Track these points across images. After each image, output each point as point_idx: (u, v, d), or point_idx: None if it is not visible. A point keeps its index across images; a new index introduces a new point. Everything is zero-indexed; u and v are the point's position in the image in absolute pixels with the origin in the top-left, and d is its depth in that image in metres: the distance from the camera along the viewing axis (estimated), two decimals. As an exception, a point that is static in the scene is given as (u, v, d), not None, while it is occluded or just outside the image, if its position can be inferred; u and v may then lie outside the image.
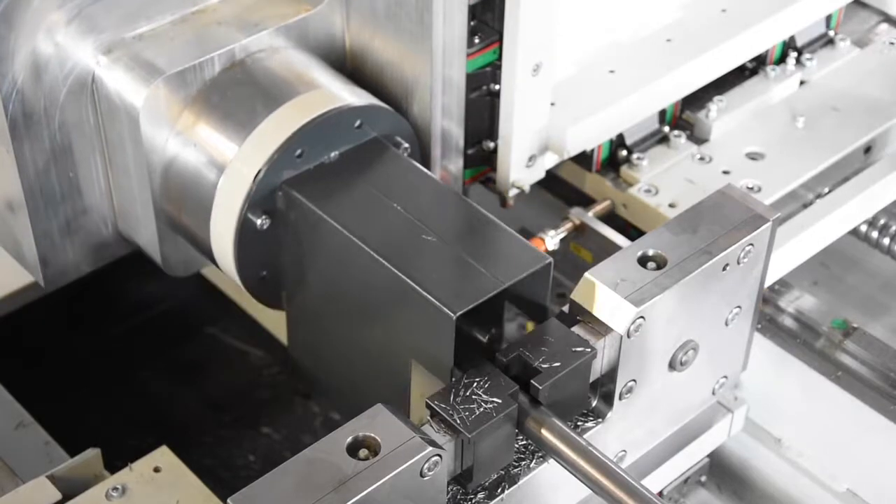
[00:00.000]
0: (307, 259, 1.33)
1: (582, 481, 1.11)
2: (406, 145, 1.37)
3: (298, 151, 1.30)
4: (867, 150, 1.63)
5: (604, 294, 1.16)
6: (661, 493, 1.44)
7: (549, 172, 1.53)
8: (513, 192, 1.48)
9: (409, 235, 1.25)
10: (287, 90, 1.34)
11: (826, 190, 1.60)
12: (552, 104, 1.46)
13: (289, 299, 1.39)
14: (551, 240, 1.52)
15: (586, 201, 1.59)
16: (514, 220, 1.77)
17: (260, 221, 1.30)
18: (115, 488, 1.26)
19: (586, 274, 1.18)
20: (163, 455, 1.30)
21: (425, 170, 1.35)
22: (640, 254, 1.20)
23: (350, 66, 1.45)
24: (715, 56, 1.57)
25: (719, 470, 1.52)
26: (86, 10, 1.33)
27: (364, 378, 1.34)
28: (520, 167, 1.47)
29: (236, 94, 1.34)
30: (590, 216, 1.55)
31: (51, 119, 1.34)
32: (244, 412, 1.79)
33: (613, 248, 1.49)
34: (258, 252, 1.33)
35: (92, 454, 1.32)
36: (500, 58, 1.39)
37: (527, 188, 1.48)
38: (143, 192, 1.37)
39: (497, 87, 1.41)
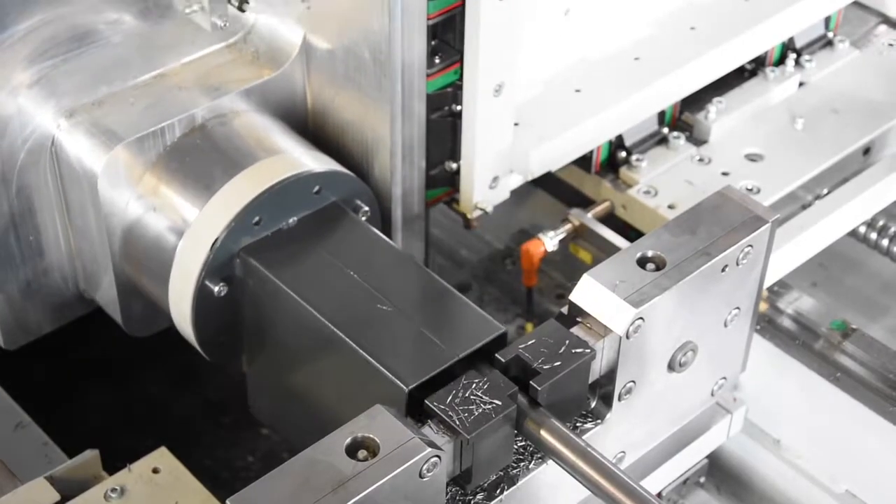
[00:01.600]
0: (266, 324, 1.33)
1: (581, 482, 1.11)
2: (366, 209, 1.37)
3: (256, 219, 1.30)
4: (866, 151, 1.63)
5: (603, 295, 1.16)
6: (660, 495, 1.44)
7: (548, 174, 1.52)
8: (476, 214, 1.46)
9: (365, 305, 1.25)
10: (247, 155, 1.34)
11: (825, 191, 1.60)
12: (516, 124, 1.44)
13: (249, 362, 1.39)
14: (551, 241, 1.52)
15: (586, 202, 1.59)
16: (513, 222, 1.78)
17: (217, 288, 1.30)
18: (113, 489, 1.26)
19: (585, 275, 1.18)
20: (162, 456, 1.30)
21: (383, 236, 1.35)
22: (639, 255, 1.20)
23: (312, 126, 1.45)
24: (684, 74, 1.56)
25: (718, 471, 1.52)
26: (48, 74, 1.33)
27: (323, 437, 1.34)
28: (483, 188, 1.44)
29: (196, 159, 1.34)
30: (589, 217, 1.55)
31: (9, 183, 1.34)
32: (243, 413, 1.78)
33: (612, 249, 1.49)
34: (216, 318, 1.33)
35: (91, 455, 1.32)
36: (461, 78, 1.37)
37: (490, 209, 1.46)
38: (104, 254, 1.37)
39: (459, 107, 1.39)
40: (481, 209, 1.46)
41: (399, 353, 1.20)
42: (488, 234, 1.83)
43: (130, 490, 1.26)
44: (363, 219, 1.36)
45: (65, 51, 1.35)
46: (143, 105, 1.36)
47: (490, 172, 1.44)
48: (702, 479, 1.51)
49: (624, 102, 1.51)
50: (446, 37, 1.36)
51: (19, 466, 1.40)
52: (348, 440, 1.04)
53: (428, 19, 1.32)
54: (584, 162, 1.57)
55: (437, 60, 1.36)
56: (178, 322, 1.35)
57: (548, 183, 1.61)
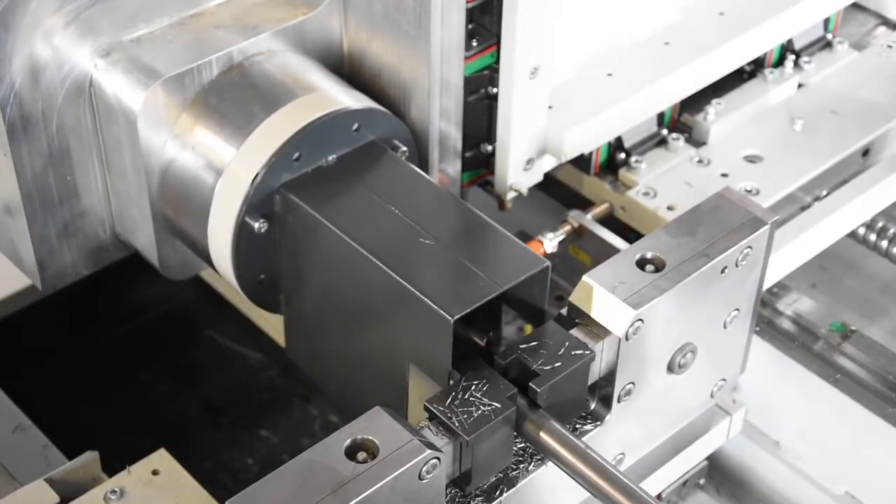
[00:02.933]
0: (305, 262, 1.32)
1: (580, 484, 1.11)
2: (404, 148, 1.37)
3: (296, 155, 1.29)
4: (865, 152, 1.63)
5: (602, 297, 1.16)
6: (659, 496, 1.44)
7: (547, 175, 1.53)
8: (510, 195, 1.48)
9: (407, 239, 1.25)
10: (284, 93, 1.33)
11: (824, 192, 1.60)
12: (550, 107, 1.46)
13: (286, 302, 1.38)
14: (550, 242, 1.52)
15: (585, 204, 1.59)
16: (512, 223, 1.77)
17: (258, 225, 1.30)
18: (113, 491, 1.26)
19: (585, 276, 1.18)
20: (161, 458, 1.30)
21: (423, 173, 1.35)
22: (638, 256, 1.20)
23: (348, 70, 1.45)
24: (713, 59, 1.57)
25: (718, 473, 1.52)
26: (84, 13, 1.32)
27: (362, 381, 1.34)
28: (518, 170, 1.47)
29: (234, 97, 1.34)
30: (588, 219, 1.55)
31: (48, 122, 1.33)
32: (243, 415, 1.79)
33: (612, 250, 1.49)
34: (256, 255, 1.33)
35: (90, 457, 1.32)
36: (497, 61, 1.39)
37: (524, 191, 1.48)
38: (141, 195, 1.37)
39: (495, 90, 1.41)
40: (516, 191, 1.47)
41: (443, 286, 1.19)
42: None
43: (130, 492, 1.26)
44: (402, 158, 1.36)
45: None
46: (180, 43, 1.35)
47: (525, 154, 1.46)
48: (701, 481, 1.51)
49: (654, 86, 1.53)
50: (483, 20, 1.38)
51: (19, 469, 1.40)
52: (348, 442, 1.04)
53: (466, 3, 1.33)
54: (583, 163, 1.57)
55: (474, 43, 1.37)
56: (217, 261, 1.34)
57: (547, 184, 1.60)
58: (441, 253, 1.23)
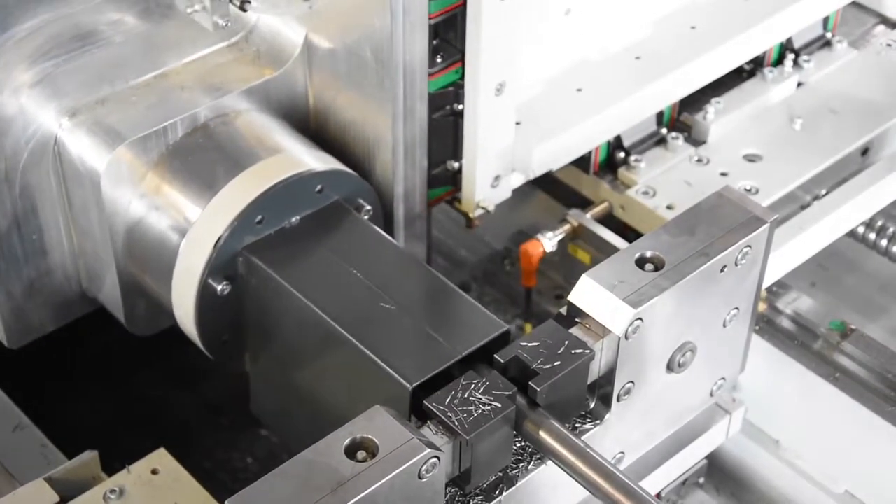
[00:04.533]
0: (268, 324, 1.33)
1: (580, 483, 1.11)
2: (368, 207, 1.37)
3: (259, 217, 1.30)
4: (865, 151, 1.63)
5: (602, 296, 1.16)
6: (659, 495, 1.44)
7: (547, 174, 1.52)
8: (478, 213, 1.46)
9: (368, 303, 1.25)
10: (249, 155, 1.34)
11: (823, 191, 1.60)
12: (518, 123, 1.45)
13: (251, 361, 1.39)
14: (549, 241, 1.52)
15: (584, 203, 1.59)
16: (512, 223, 1.78)
17: (220, 287, 1.30)
18: (112, 490, 1.26)
19: (584, 275, 1.18)
20: (161, 457, 1.30)
21: (386, 235, 1.35)
22: (637, 255, 1.20)
23: (314, 126, 1.45)
24: (684, 73, 1.56)
25: (717, 472, 1.52)
26: (51, 73, 1.33)
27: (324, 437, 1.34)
28: (485, 187, 1.45)
29: (198, 158, 1.34)
30: (588, 218, 1.55)
31: (12, 183, 1.34)
32: (242, 414, 1.78)
33: (611, 249, 1.49)
34: (219, 317, 1.33)
35: (89, 456, 1.32)
36: (462, 77, 1.38)
37: (491, 208, 1.46)
38: (107, 253, 1.37)
39: (460, 106, 1.39)
40: (483, 208, 1.46)
41: (402, 352, 1.20)
42: (487, 234, 1.83)
43: (129, 491, 1.26)
44: (366, 217, 1.36)
45: (67, 50, 1.35)
46: (145, 104, 1.36)
47: (492, 171, 1.44)
48: (701, 480, 1.51)
49: (625, 101, 1.52)
50: (448, 36, 1.36)
51: (18, 468, 1.40)
52: (347, 441, 1.04)
53: (429, 18, 1.32)
54: (582, 162, 1.57)
55: (438, 60, 1.36)
56: (182, 321, 1.36)
57: (546, 183, 1.61)
58: (401, 318, 1.24)
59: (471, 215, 1.46)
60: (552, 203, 1.71)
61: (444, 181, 1.46)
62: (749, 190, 1.53)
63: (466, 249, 1.86)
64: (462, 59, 1.37)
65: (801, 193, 1.58)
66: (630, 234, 1.55)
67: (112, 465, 1.32)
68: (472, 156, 1.42)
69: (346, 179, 1.36)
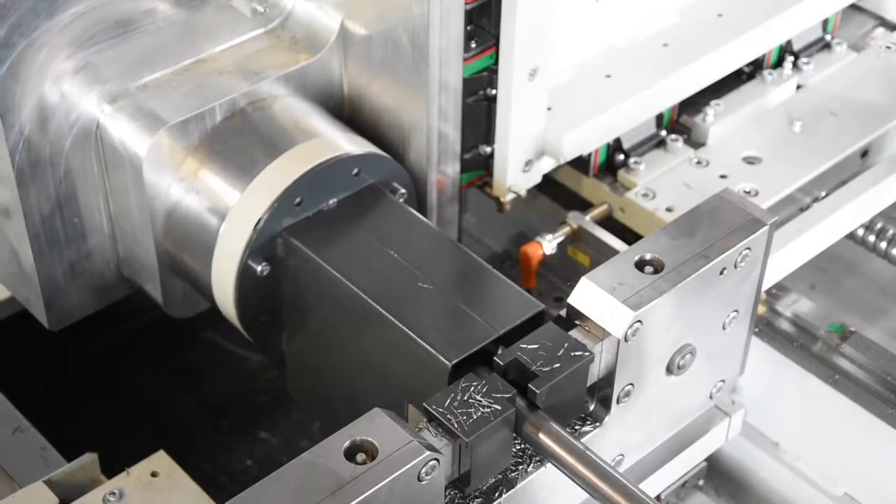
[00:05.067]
0: (306, 304, 1.34)
1: (579, 485, 1.11)
2: (403, 191, 1.39)
3: (298, 199, 1.32)
4: (864, 154, 1.63)
5: (601, 298, 1.16)
6: (658, 498, 1.44)
7: (546, 177, 1.53)
8: (509, 197, 1.48)
9: (406, 283, 1.27)
10: (287, 139, 1.36)
11: (823, 194, 1.60)
12: (549, 109, 1.47)
13: (288, 342, 1.40)
14: (549, 244, 1.52)
15: (584, 205, 1.59)
16: (512, 225, 1.78)
17: (260, 268, 1.32)
18: (112, 493, 1.26)
19: (584, 278, 1.18)
20: (160, 460, 1.30)
21: (421, 216, 1.37)
22: (637, 258, 1.20)
23: (348, 112, 1.47)
24: (711, 60, 1.57)
25: (717, 474, 1.52)
26: (92, 60, 1.35)
27: None
28: (516, 172, 1.47)
29: (237, 142, 1.36)
30: (587, 220, 1.55)
31: (56, 167, 1.36)
32: (242, 417, 1.79)
33: (611, 252, 1.49)
34: (258, 297, 1.35)
35: (89, 459, 1.32)
36: (496, 62, 1.39)
37: (523, 193, 1.48)
38: (146, 236, 1.39)
39: (494, 91, 1.41)
40: (515, 192, 1.48)
41: (441, 330, 1.21)
42: (487, 236, 1.83)
43: (129, 494, 1.26)
44: (400, 200, 1.38)
45: (108, 37, 1.37)
46: (185, 90, 1.38)
47: (523, 156, 1.46)
48: (700, 482, 1.51)
49: (653, 88, 1.53)
50: (482, 22, 1.38)
51: (18, 470, 1.40)
52: (347, 443, 1.04)
53: (465, 4, 1.34)
54: (581, 165, 1.57)
55: (472, 45, 1.38)
56: (221, 301, 1.37)
57: (547, 186, 1.60)
58: (438, 297, 1.25)
59: (502, 199, 1.48)
60: (552, 205, 1.71)
61: (476, 166, 1.47)
62: (748, 192, 1.53)
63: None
64: (496, 45, 1.38)
65: (801, 196, 1.58)
66: (630, 236, 1.55)
67: (111, 467, 1.32)
68: (505, 140, 1.43)
69: (382, 163, 1.38)
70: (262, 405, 1.81)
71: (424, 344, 1.20)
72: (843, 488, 1.46)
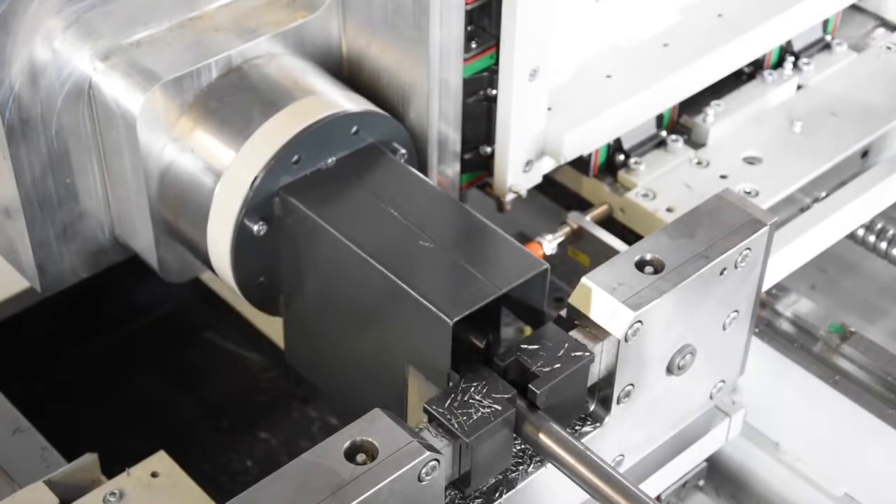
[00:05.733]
0: (304, 265, 1.32)
1: (580, 486, 1.11)
2: (403, 151, 1.37)
3: (295, 157, 1.30)
4: (864, 154, 1.63)
5: (601, 298, 1.16)
6: (659, 498, 1.44)
7: (546, 177, 1.53)
8: (510, 197, 1.48)
9: (406, 241, 1.25)
10: (284, 96, 1.34)
11: (823, 194, 1.60)
12: (549, 109, 1.46)
13: (286, 304, 1.39)
14: (549, 244, 1.52)
15: (584, 206, 1.59)
16: (512, 225, 1.77)
17: (257, 227, 1.30)
18: (112, 493, 1.26)
19: (584, 278, 1.18)
20: (160, 460, 1.30)
21: (422, 175, 1.35)
22: (637, 258, 1.20)
23: (347, 72, 1.46)
24: (712, 61, 1.57)
25: (717, 474, 1.52)
26: (83, 16, 1.33)
27: (361, 383, 1.34)
28: (517, 172, 1.47)
29: (233, 100, 1.34)
30: (587, 220, 1.55)
31: (47, 125, 1.33)
32: (242, 417, 1.79)
33: (611, 252, 1.49)
34: (255, 258, 1.33)
35: (89, 459, 1.32)
36: (497, 63, 1.39)
37: (524, 193, 1.48)
38: (140, 198, 1.37)
39: (494, 91, 1.41)
40: (515, 192, 1.47)
41: (442, 288, 1.20)
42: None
43: (129, 494, 1.26)
44: (401, 160, 1.36)
45: None
46: (180, 46, 1.36)
47: (524, 156, 1.46)
48: (701, 483, 1.51)
49: (653, 88, 1.53)
50: (482, 22, 1.38)
51: (18, 471, 1.40)
52: (347, 443, 1.04)
53: (466, 4, 1.33)
54: (582, 165, 1.57)
55: (473, 45, 1.37)
56: (217, 263, 1.35)
57: (546, 186, 1.60)
58: (440, 255, 1.23)
59: (503, 200, 1.48)
60: (552, 205, 1.71)
61: (477, 166, 1.47)
62: (749, 192, 1.53)
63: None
64: (496, 45, 1.38)
65: (801, 196, 1.58)
66: (630, 236, 1.55)
67: (112, 467, 1.32)
68: (505, 140, 1.43)
69: (382, 122, 1.36)
70: (263, 405, 1.81)
71: (426, 302, 1.18)
72: (844, 489, 1.46)
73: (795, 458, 1.48)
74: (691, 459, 1.40)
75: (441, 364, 1.19)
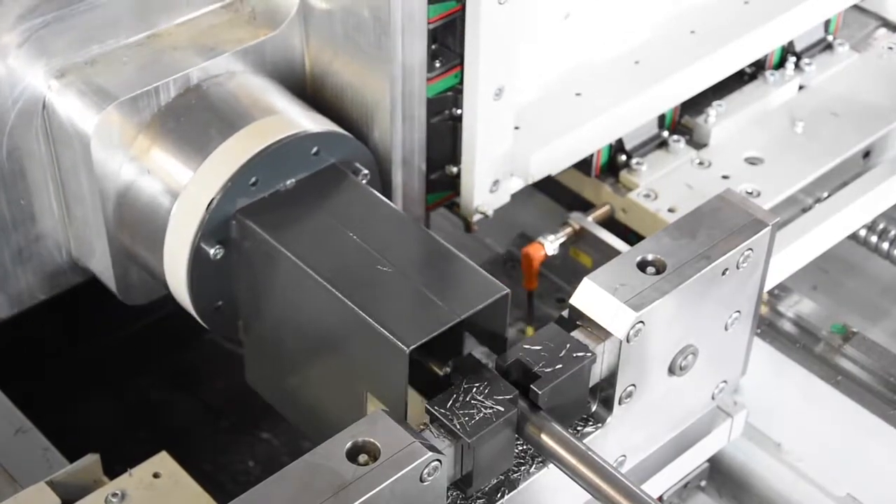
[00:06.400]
0: (262, 289, 1.30)
1: (582, 486, 1.11)
2: (365, 171, 1.35)
3: (253, 179, 1.27)
4: (866, 154, 1.63)
5: (603, 299, 1.16)
6: (660, 498, 1.44)
7: (549, 177, 1.52)
8: (476, 218, 1.46)
9: (365, 266, 1.23)
10: (243, 116, 1.32)
11: (825, 194, 1.60)
12: (516, 128, 1.44)
13: (245, 329, 1.37)
14: (551, 244, 1.52)
15: (586, 206, 1.59)
16: (513, 226, 1.78)
17: (213, 251, 1.27)
18: (114, 494, 1.26)
19: (586, 279, 1.18)
20: (162, 460, 1.30)
21: (383, 198, 1.33)
22: (639, 258, 1.20)
23: (311, 90, 1.44)
24: (683, 77, 1.56)
25: (719, 475, 1.52)
26: (37, 33, 1.30)
27: (320, 407, 1.32)
28: (483, 192, 1.45)
29: (191, 119, 1.32)
30: (589, 221, 1.55)
31: None
32: (243, 417, 1.79)
33: (613, 252, 1.49)
34: (212, 282, 1.31)
35: (91, 460, 1.32)
36: (461, 82, 1.37)
37: (490, 213, 1.46)
38: (97, 219, 1.35)
39: (459, 111, 1.39)
40: (482, 213, 1.45)
41: (400, 315, 1.17)
42: (489, 237, 1.83)
43: (131, 495, 1.26)
44: (363, 182, 1.34)
45: (55, 9, 1.31)
46: (136, 65, 1.34)
47: (490, 176, 1.44)
48: (703, 483, 1.51)
49: (624, 106, 1.51)
50: (447, 41, 1.36)
51: (20, 471, 1.40)
52: (349, 444, 1.04)
53: (429, 24, 1.32)
54: (584, 165, 1.57)
55: (437, 64, 1.36)
56: (174, 287, 1.32)
57: (548, 186, 1.60)
58: (399, 281, 1.21)
59: (470, 220, 1.46)
60: (554, 206, 1.71)
61: (444, 186, 1.45)
62: (750, 193, 1.53)
63: (468, 252, 1.85)
64: (461, 64, 1.36)
65: (803, 196, 1.58)
66: (631, 236, 1.55)
67: (114, 468, 1.32)
68: (471, 160, 1.41)
69: (343, 142, 1.34)
70: (264, 405, 1.80)
71: (382, 329, 1.15)
72: (846, 489, 1.46)
73: (797, 458, 1.48)
74: (693, 460, 1.40)
75: (397, 391, 1.17)
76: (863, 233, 1.69)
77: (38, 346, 1.82)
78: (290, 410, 1.38)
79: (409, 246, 1.27)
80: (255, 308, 1.33)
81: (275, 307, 1.31)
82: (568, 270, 1.64)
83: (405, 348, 1.13)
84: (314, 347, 1.28)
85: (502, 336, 1.21)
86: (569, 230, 1.54)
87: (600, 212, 1.57)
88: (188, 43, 1.37)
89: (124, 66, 1.34)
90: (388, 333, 1.15)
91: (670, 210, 1.52)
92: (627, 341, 1.16)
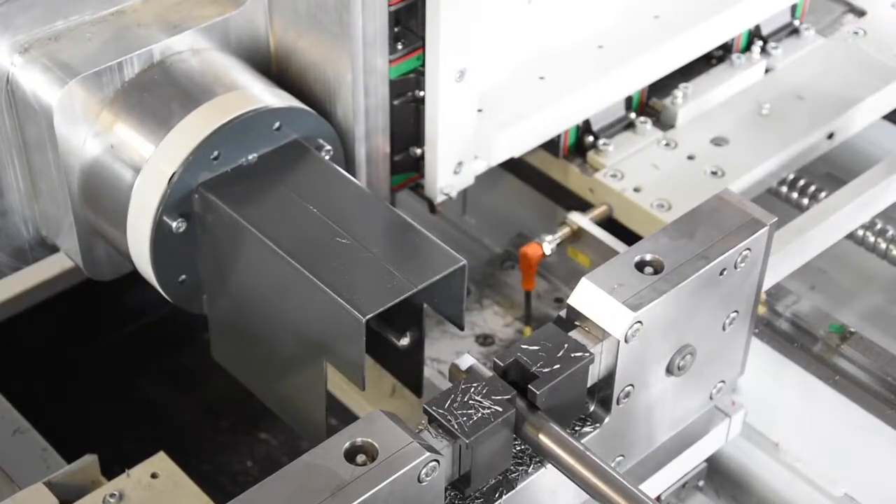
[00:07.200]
0: (224, 262, 1.31)
1: (580, 486, 1.11)
2: (328, 147, 1.36)
3: (215, 153, 1.28)
4: (830, 135, 1.65)
5: (601, 299, 1.16)
6: (659, 498, 1.44)
7: (518, 159, 1.52)
8: (440, 199, 1.47)
9: (324, 238, 1.24)
10: (205, 91, 1.32)
11: (791, 176, 1.62)
12: (480, 110, 1.45)
13: (210, 303, 1.38)
14: (549, 245, 1.52)
15: (584, 206, 1.59)
16: (511, 226, 1.78)
17: (176, 224, 1.28)
18: (112, 494, 1.26)
19: (584, 279, 1.18)
20: (160, 461, 1.30)
21: (345, 173, 1.34)
22: (637, 259, 1.20)
23: (276, 69, 1.44)
24: (646, 62, 1.57)
25: (717, 475, 1.52)
26: (2, 8, 1.30)
27: (283, 379, 1.34)
28: (447, 174, 1.45)
29: (154, 94, 1.32)
30: (587, 221, 1.55)
31: None
32: (242, 418, 1.79)
33: (611, 252, 1.49)
34: (175, 256, 1.31)
35: (89, 460, 1.32)
36: (423, 64, 1.38)
37: (454, 195, 1.47)
38: (63, 195, 1.35)
39: (422, 93, 1.40)
40: (446, 194, 1.46)
41: (357, 285, 1.19)
42: (486, 237, 1.83)
43: (129, 495, 1.26)
44: (326, 157, 1.35)
45: None
46: (100, 40, 1.34)
47: (454, 158, 1.45)
48: (701, 483, 1.51)
49: (587, 89, 1.53)
50: (409, 23, 1.37)
51: (18, 472, 1.40)
52: (347, 444, 1.04)
53: (390, 5, 1.32)
54: (552, 146, 1.58)
55: (399, 46, 1.36)
56: (138, 262, 1.33)
57: (547, 186, 1.61)
58: (358, 252, 1.23)
59: (434, 201, 1.47)
60: (552, 206, 1.71)
61: (408, 167, 1.46)
62: (715, 173, 1.55)
63: (465, 252, 1.85)
64: (423, 46, 1.37)
65: (768, 178, 1.59)
66: (630, 237, 1.55)
67: (112, 468, 1.32)
68: (434, 142, 1.42)
69: (305, 117, 1.35)
70: (263, 406, 1.80)
71: (339, 298, 1.17)
72: (844, 489, 1.46)
73: (795, 458, 1.48)
74: (691, 460, 1.40)
75: (355, 361, 1.19)
76: (861, 232, 1.69)
77: (36, 347, 1.82)
78: (256, 384, 1.39)
79: (369, 219, 1.29)
80: (219, 282, 1.34)
81: (237, 280, 1.32)
82: (566, 270, 1.65)
83: (361, 317, 1.15)
84: (275, 319, 1.29)
85: (459, 307, 1.23)
86: (567, 230, 1.54)
87: (598, 212, 1.57)
88: (153, 19, 1.37)
89: (88, 42, 1.34)
90: (344, 303, 1.17)
91: (636, 189, 1.54)
92: (625, 341, 1.16)
